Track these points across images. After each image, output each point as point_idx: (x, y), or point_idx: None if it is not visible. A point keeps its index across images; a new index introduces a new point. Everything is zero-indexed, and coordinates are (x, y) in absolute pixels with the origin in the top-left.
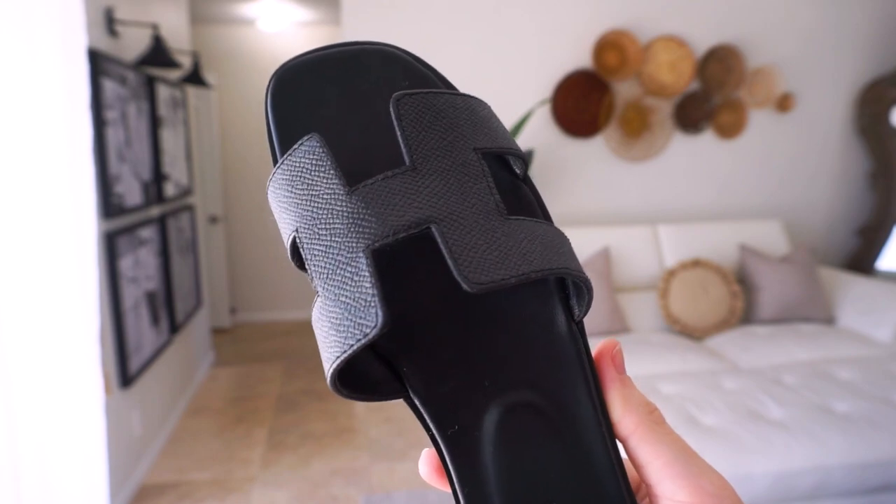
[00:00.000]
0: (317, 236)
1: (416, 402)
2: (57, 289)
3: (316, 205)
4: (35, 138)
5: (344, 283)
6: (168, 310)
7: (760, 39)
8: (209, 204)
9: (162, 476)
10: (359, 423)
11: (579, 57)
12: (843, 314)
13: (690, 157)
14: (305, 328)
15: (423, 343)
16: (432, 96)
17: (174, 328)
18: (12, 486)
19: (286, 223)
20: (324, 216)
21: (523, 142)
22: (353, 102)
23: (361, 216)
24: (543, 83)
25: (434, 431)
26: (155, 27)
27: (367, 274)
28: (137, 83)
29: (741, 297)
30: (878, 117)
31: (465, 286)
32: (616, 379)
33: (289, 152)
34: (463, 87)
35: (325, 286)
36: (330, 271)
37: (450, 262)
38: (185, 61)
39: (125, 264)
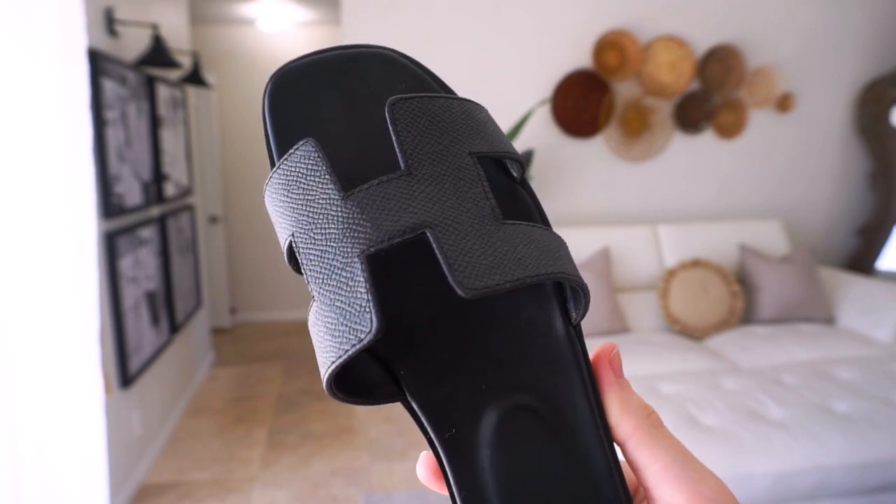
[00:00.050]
0: (312, 241)
1: (413, 405)
2: (57, 289)
3: (311, 209)
4: (35, 138)
5: (339, 288)
6: (168, 310)
7: (760, 39)
8: (209, 204)
9: (162, 476)
10: (359, 423)
11: (579, 57)
12: (843, 314)
13: (690, 157)
14: (305, 328)
15: (420, 346)
16: (428, 100)
17: (174, 328)
18: (12, 486)
19: (282, 227)
20: (319, 221)
21: (523, 142)
22: (349, 106)
23: (356, 221)
24: (543, 83)
25: (431, 434)
26: (155, 27)
27: (361, 279)
28: (137, 83)
29: (741, 297)
30: (878, 117)
31: (459, 292)
32: (614, 382)
33: (285, 157)
34: (463, 87)
35: (321, 291)
36: (325, 276)
37: (445, 268)
38: (185, 61)
39: (125, 264)
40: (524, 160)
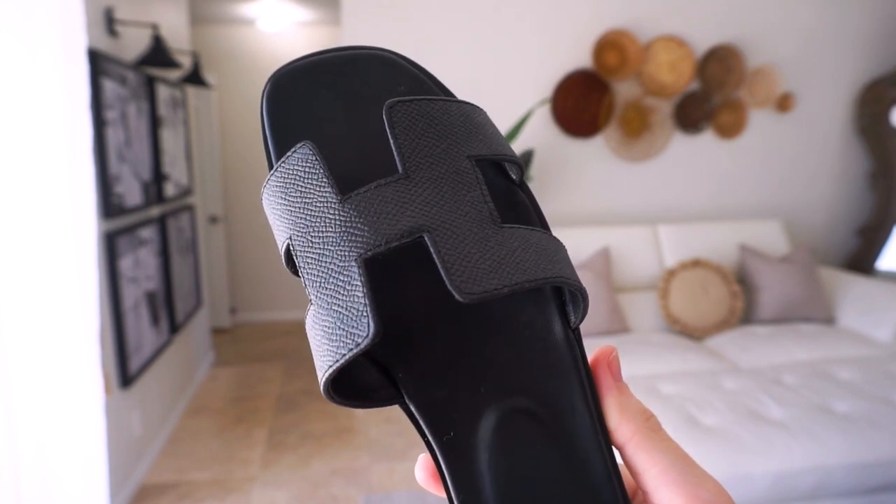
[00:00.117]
0: (310, 244)
1: (412, 407)
2: (57, 289)
3: (309, 213)
4: (35, 138)
5: (336, 291)
6: (168, 310)
7: (760, 39)
8: (209, 204)
9: (162, 476)
10: (359, 423)
11: (579, 57)
12: (843, 314)
13: (690, 157)
14: (305, 328)
15: (419, 349)
16: (426, 103)
17: (174, 328)
18: (12, 486)
19: (280, 230)
20: (317, 224)
21: (523, 142)
22: (348, 108)
23: (354, 225)
24: (543, 83)
25: (429, 437)
26: (155, 27)
27: (359, 283)
28: (137, 83)
29: (741, 297)
30: (878, 117)
31: (457, 296)
32: (613, 386)
33: (282, 159)
34: (463, 87)
35: (318, 294)
36: (322, 279)
37: (442, 272)
38: (185, 61)
39: (125, 264)
40: (523, 163)
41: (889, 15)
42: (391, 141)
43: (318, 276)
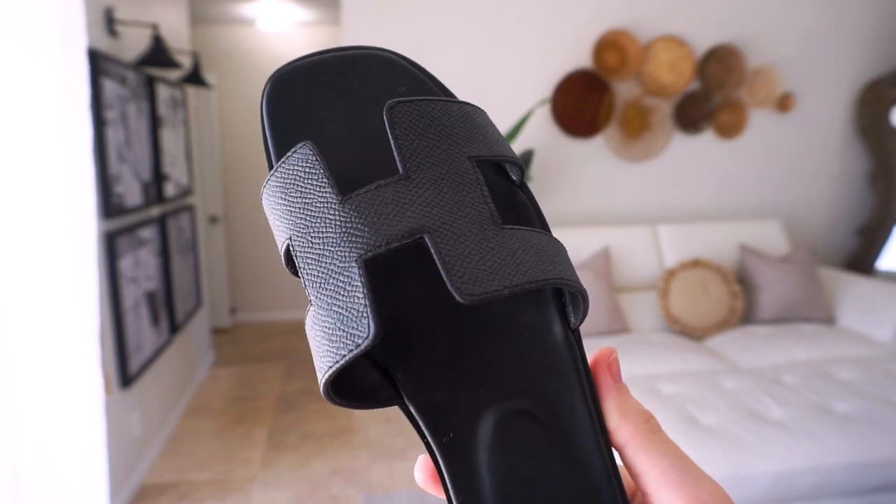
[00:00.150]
0: (310, 245)
1: (411, 408)
2: (57, 289)
3: (309, 213)
4: (35, 138)
5: (336, 292)
6: (168, 310)
7: (760, 39)
8: (209, 204)
9: (162, 476)
10: (359, 423)
11: (579, 57)
12: (843, 314)
13: (690, 157)
14: (305, 328)
15: (419, 350)
16: (427, 104)
17: (174, 328)
18: (12, 486)
19: (280, 230)
20: (317, 225)
21: (523, 142)
22: (348, 108)
23: (354, 225)
24: (543, 83)
25: (429, 438)
26: (155, 27)
27: (359, 284)
28: (137, 83)
29: (741, 297)
30: (878, 117)
31: (458, 297)
32: (613, 387)
33: (282, 159)
34: (463, 86)
35: (318, 295)
36: (323, 280)
37: (443, 273)
38: (185, 61)
39: (125, 264)
40: (523, 163)
41: (889, 15)
42: (392, 141)
43: (318, 276)
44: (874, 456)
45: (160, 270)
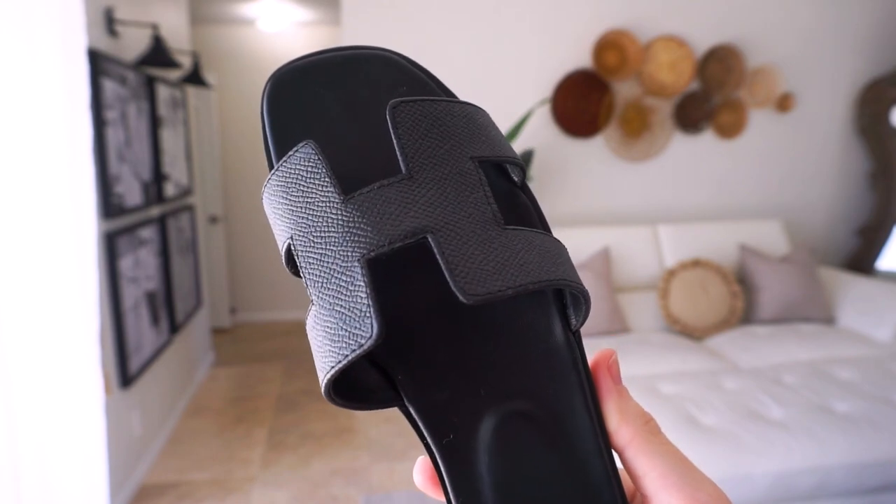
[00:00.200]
0: (311, 244)
1: (411, 410)
2: (57, 289)
3: (311, 212)
4: (35, 138)
5: (339, 292)
6: (168, 310)
7: (760, 39)
8: (209, 204)
9: (162, 476)
10: (359, 423)
11: (579, 57)
12: (843, 314)
13: (690, 157)
14: (305, 328)
15: (419, 351)
16: (429, 104)
17: (174, 328)
18: (12, 486)
19: (281, 230)
20: (319, 224)
21: (523, 142)
22: (350, 108)
23: (357, 225)
24: (543, 83)
25: (429, 440)
26: (155, 27)
27: (362, 284)
28: (137, 83)
29: (741, 297)
30: (878, 117)
31: (461, 298)
32: (613, 389)
33: (284, 159)
34: (463, 86)
35: (320, 295)
36: (325, 280)
37: (446, 273)
38: (185, 61)
39: (125, 264)
40: (525, 165)
41: (889, 15)
42: (394, 141)
43: (319, 276)
44: (874, 456)
45: (160, 270)
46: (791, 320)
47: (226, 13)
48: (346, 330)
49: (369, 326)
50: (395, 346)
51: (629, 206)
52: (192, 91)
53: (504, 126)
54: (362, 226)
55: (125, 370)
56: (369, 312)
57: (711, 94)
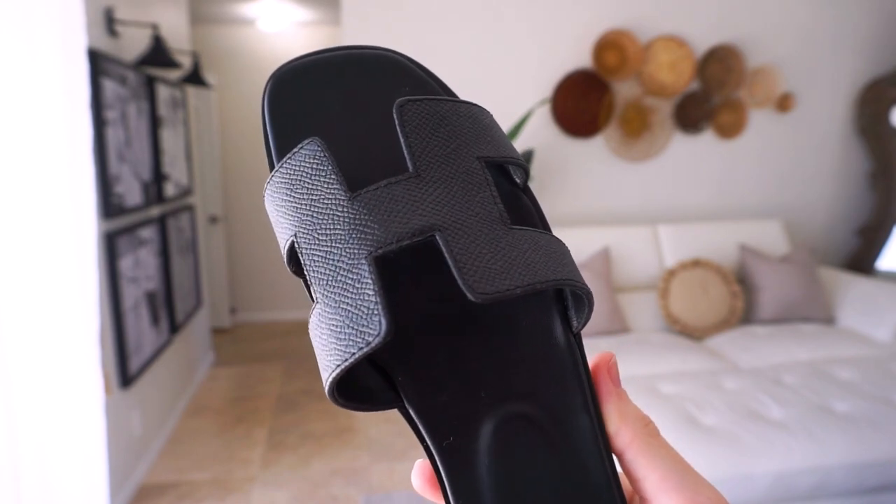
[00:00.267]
0: (316, 242)
1: (411, 411)
2: (57, 289)
3: (316, 210)
4: (35, 138)
5: (345, 290)
6: (168, 310)
7: (760, 39)
8: (209, 204)
9: (162, 476)
10: (359, 423)
11: (579, 57)
12: (843, 314)
13: (690, 157)
14: (305, 328)
15: (419, 352)
16: (436, 103)
17: (174, 328)
18: (12, 486)
19: (284, 228)
20: (324, 222)
21: (523, 142)
22: (351, 107)
23: (364, 222)
24: (543, 83)
25: (428, 442)
26: (155, 27)
27: (369, 281)
28: (137, 83)
29: (741, 297)
30: (878, 117)
31: (470, 296)
32: (613, 392)
33: (288, 155)
34: (463, 86)
35: (325, 293)
36: (330, 278)
37: (455, 271)
38: (185, 61)
39: (125, 264)
40: (528, 167)
41: (889, 15)
42: (402, 140)
43: (325, 273)
44: (874, 456)
45: (160, 270)
46: (791, 320)
47: (226, 13)
48: (352, 328)
49: (377, 324)
50: (394, 346)
51: (629, 206)
52: (192, 91)
53: (504, 126)
54: (370, 223)
55: (125, 370)
56: (377, 310)
57: (711, 94)
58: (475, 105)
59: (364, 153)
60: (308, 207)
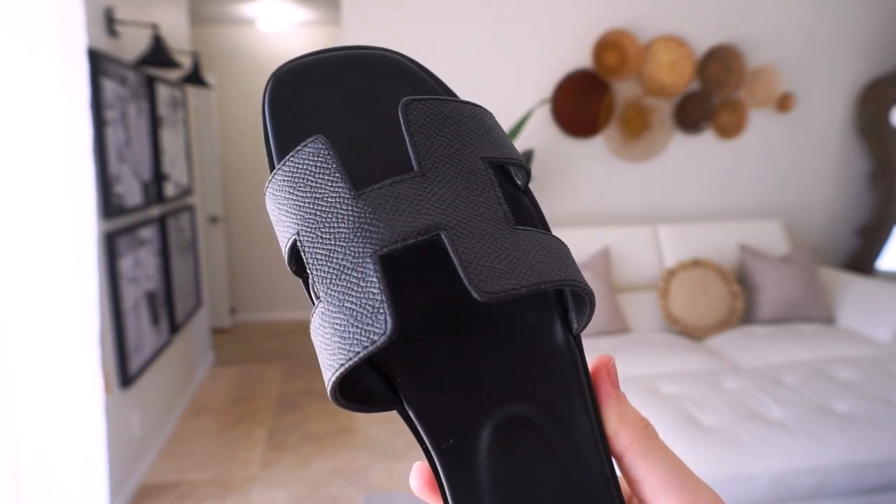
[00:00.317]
0: (320, 240)
1: (411, 413)
2: (57, 289)
3: (319, 208)
4: (35, 138)
5: (349, 288)
6: (168, 310)
7: (760, 39)
8: (209, 204)
9: (162, 476)
10: (359, 423)
11: (579, 57)
12: (843, 314)
13: (690, 156)
14: (305, 328)
15: (419, 353)
16: (440, 103)
17: (174, 328)
18: (12, 486)
19: (286, 226)
20: (328, 220)
21: (523, 142)
22: (352, 107)
23: (369, 221)
24: (543, 83)
25: (427, 444)
26: (155, 27)
27: (374, 280)
28: (137, 83)
29: (741, 297)
30: (878, 117)
31: (476, 295)
32: (612, 394)
33: (291, 153)
34: (463, 86)
35: (329, 292)
36: (334, 276)
37: (460, 271)
38: (185, 61)
39: (125, 264)
40: (530, 168)
41: (889, 15)
42: (407, 139)
43: (328, 272)
44: (874, 456)
45: (160, 270)
46: (791, 320)
47: (226, 13)
48: (357, 327)
49: (382, 322)
50: (395, 348)
51: (629, 206)
52: (192, 91)
53: (504, 126)
54: (374, 222)
55: (125, 370)
56: (383, 308)
57: (711, 94)
58: (478, 106)
59: (365, 152)
60: (311, 206)
